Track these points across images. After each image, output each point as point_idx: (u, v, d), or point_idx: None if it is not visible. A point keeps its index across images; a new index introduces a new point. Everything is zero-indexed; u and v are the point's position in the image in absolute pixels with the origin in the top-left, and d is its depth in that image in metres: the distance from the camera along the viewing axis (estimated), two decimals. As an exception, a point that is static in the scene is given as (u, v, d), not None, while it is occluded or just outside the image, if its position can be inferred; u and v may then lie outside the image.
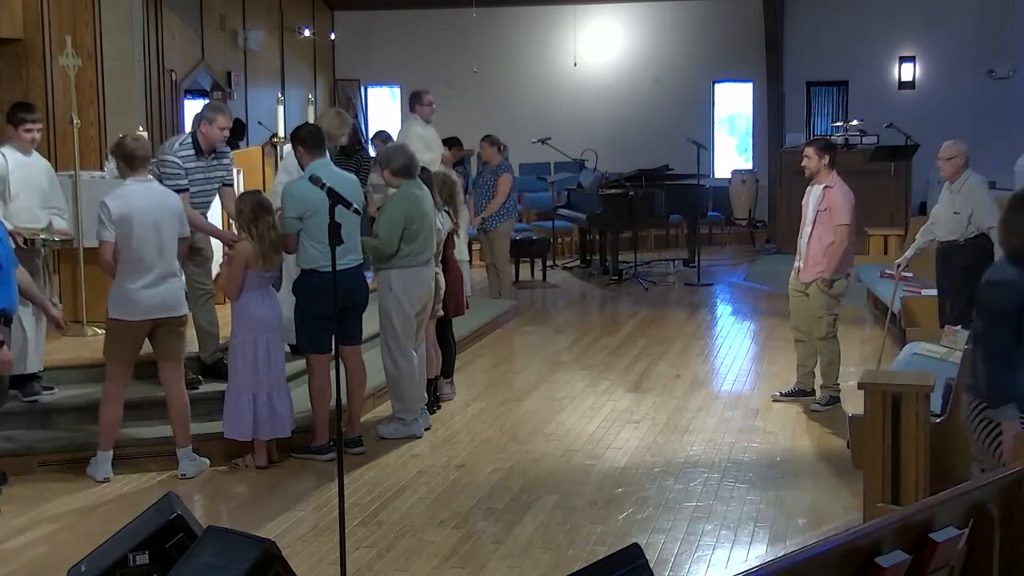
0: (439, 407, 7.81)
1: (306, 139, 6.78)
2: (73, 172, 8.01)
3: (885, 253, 11.90)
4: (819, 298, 7.57)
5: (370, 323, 7.22)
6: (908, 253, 8.24)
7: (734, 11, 16.92)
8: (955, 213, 7.69)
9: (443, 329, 7.95)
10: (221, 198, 7.44)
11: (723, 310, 11.63)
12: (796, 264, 7.76)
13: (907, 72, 16.67)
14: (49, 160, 10.01)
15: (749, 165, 17.21)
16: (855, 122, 15.35)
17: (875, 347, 8.54)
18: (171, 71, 13.70)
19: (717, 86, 17.54)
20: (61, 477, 6.45)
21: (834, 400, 7.69)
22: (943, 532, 3.20)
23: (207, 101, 7.67)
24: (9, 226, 6.57)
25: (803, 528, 5.70)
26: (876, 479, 5.31)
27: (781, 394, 7.88)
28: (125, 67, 9.61)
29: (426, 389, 7.49)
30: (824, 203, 7.49)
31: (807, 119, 17.21)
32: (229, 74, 15.30)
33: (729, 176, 16.76)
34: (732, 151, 17.95)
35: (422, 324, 7.28)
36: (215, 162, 7.26)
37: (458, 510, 5.96)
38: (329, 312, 6.16)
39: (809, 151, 7.63)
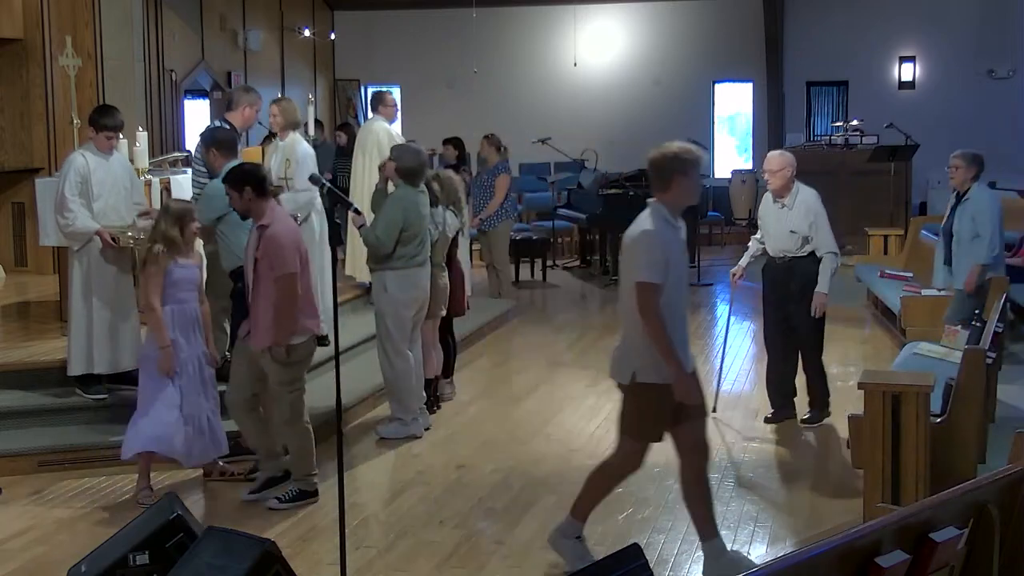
0: (439, 407, 7.80)
1: (222, 142, 6.76)
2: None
3: (885, 253, 11.91)
4: (276, 372, 5.94)
5: (368, 325, 7.23)
6: (743, 262, 7.58)
7: (734, 11, 16.93)
8: (791, 232, 7.10)
9: (443, 329, 7.94)
10: None
11: (723, 310, 11.62)
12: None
13: (907, 72, 16.68)
14: (49, 160, 10.07)
15: (749, 165, 17.21)
16: (855, 122, 15.36)
17: (875, 347, 8.54)
18: (171, 71, 13.70)
19: (717, 86, 17.54)
20: (61, 477, 6.45)
21: (304, 495, 6.03)
22: (943, 532, 3.20)
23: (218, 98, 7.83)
24: (97, 225, 6.79)
25: (803, 528, 5.70)
26: (876, 479, 5.31)
27: (279, 501, 6.04)
28: (125, 67, 9.63)
29: (426, 389, 7.49)
30: (260, 248, 5.86)
31: (807, 119, 17.22)
32: (229, 74, 15.30)
33: (729, 176, 16.78)
34: (732, 151, 17.95)
35: (417, 325, 7.26)
36: None
37: (458, 510, 5.95)
38: None
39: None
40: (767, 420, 7.44)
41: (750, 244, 7.64)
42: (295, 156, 7.82)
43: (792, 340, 7.30)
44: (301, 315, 5.90)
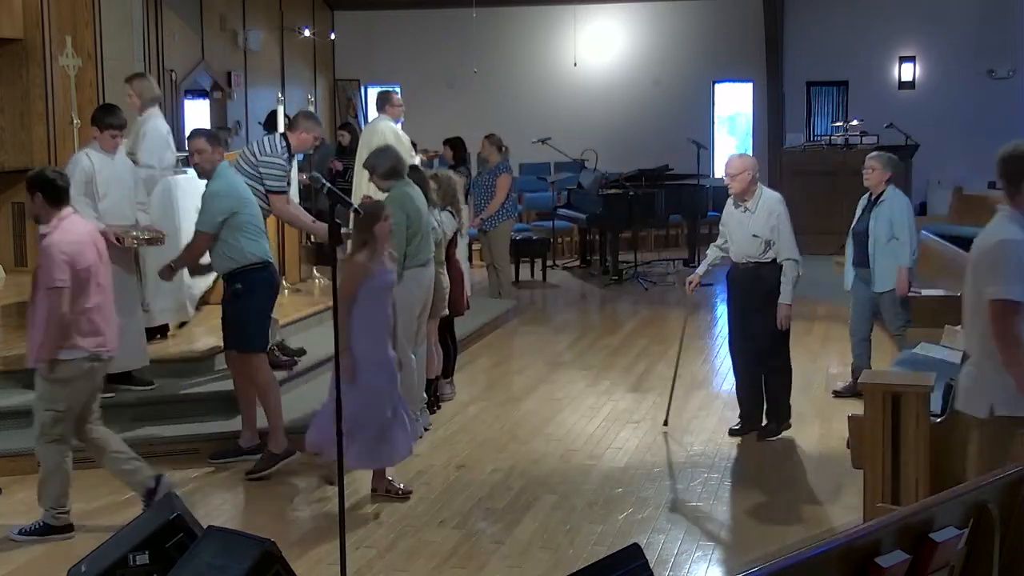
0: (439, 407, 7.80)
1: (217, 138, 6.80)
2: (73, 172, 8.01)
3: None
4: (39, 386, 5.61)
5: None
6: (700, 270, 7.29)
7: (734, 11, 16.94)
8: (754, 236, 6.89)
9: (443, 329, 7.94)
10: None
11: (723, 310, 11.61)
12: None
13: (907, 72, 16.69)
14: (49, 160, 10.06)
15: (749, 165, 17.19)
16: (855, 122, 15.36)
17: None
18: (171, 71, 13.71)
19: (717, 86, 17.55)
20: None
21: (49, 529, 5.61)
22: (943, 532, 3.20)
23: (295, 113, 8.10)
24: (101, 225, 6.72)
25: (803, 528, 5.70)
26: (876, 479, 5.30)
27: (21, 532, 5.66)
28: (125, 67, 9.60)
29: (426, 389, 7.49)
30: (39, 258, 5.54)
31: (807, 119, 17.23)
32: (229, 74, 15.31)
33: (729, 176, 16.77)
34: (732, 151, 17.95)
35: (423, 324, 7.26)
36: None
37: (458, 510, 5.95)
38: (271, 309, 6.37)
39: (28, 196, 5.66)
40: (732, 432, 7.19)
41: (708, 252, 7.38)
42: (143, 130, 7.72)
43: (756, 347, 7.07)
44: (75, 332, 5.48)
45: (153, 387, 7.16)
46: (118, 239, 6.85)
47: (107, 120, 6.96)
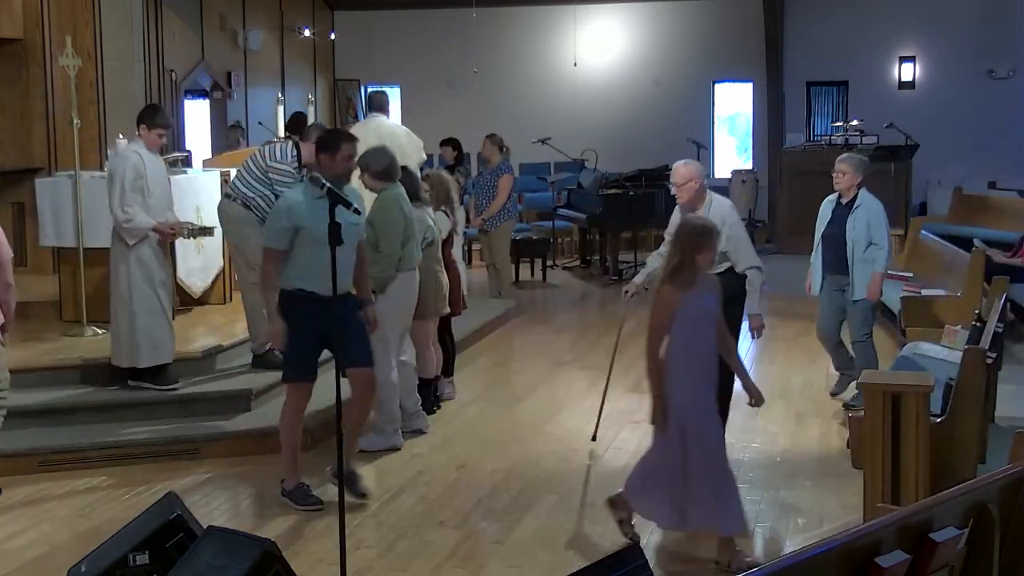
0: (439, 407, 7.80)
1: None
2: (73, 172, 8.02)
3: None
4: None
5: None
6: (638, 279, 6.99)
7: (734, 11, 16.94)
8: None
9: (442, 329, 7.94)
10: None
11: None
12: None
13: (907, 72, 16.69)
14: (49, 160, 10.07)
15: (749, 165, 17.21)
16: (855, 122, 15.36)
17: (875, 347, 8.49)
18: (171, 71, 13.71)
19: (717, 86, 17.55)
20: (61, 477, 6.45)
21: None
22: (943, 532, 3.20)
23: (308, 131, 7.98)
24: (153, 222, 7.00)
25: (803, 528, 5.71)
26: (876, 479, 5.30)
27: None
28: (125, 67, 9.62)
29: (426, 389, 7.47)
30: None
31: (807, 119, 17.23)
32: (229, 74, 15.31)
33: (729, 176, 16.78)
34: (732, 151, 17.97)
35: (407, 329, 7.16)
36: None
37: (458, 510, 5.95)
38: None
39: None
40: None
41: (649, 260, 7.03)
42: None
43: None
44: None
45: (177, 387, 7.26)
46: (172, 229, 7.14)
47: (157, 120, 7.10)
